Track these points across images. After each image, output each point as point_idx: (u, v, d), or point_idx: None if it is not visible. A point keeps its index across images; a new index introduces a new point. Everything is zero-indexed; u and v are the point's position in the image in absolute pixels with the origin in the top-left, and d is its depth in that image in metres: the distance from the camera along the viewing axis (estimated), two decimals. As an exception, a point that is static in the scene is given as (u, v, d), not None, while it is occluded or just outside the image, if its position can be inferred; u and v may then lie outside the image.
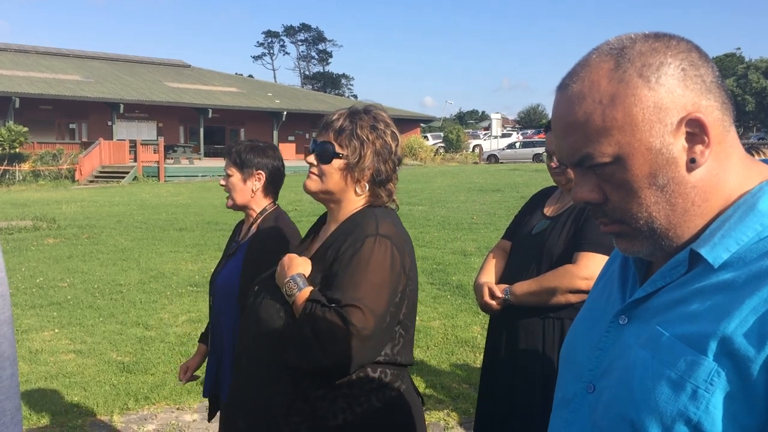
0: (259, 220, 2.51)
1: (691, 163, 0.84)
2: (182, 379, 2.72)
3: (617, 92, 0.84)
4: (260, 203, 2.53)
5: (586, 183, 0.90)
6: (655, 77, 0.83)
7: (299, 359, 1.65)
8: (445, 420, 4.09)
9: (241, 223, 2.68)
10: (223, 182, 2.54)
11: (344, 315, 1.58)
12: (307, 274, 1.73)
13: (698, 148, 0.84)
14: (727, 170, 0.86)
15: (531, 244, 2.39)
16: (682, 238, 0.87)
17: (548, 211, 2.47)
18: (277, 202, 2.59)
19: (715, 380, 0.77)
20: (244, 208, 2.54)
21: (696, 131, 0.84)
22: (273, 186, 2.55)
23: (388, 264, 1.67)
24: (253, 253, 2.40)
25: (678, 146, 0.84)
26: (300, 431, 1.67)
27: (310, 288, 1.69)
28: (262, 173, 2.50)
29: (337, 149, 1.76)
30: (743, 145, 0.96)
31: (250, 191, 2.50)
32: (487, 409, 2.46)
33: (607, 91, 0.84)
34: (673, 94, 0.83)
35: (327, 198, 1.82)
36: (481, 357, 5.07)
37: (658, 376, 0.81)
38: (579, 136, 0.87)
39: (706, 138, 0.84)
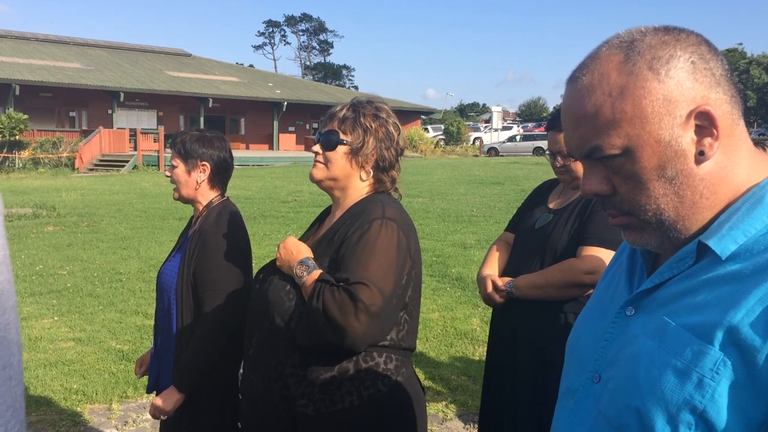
0: (203, 214, 2.39)
1: (700, 156, 0.85)
2: (137, 374, 2.63)
3: (627, 84, 0.84)
4: (206, 196, 2.41)
5: (594, 175, 0.90)
6: (665, 70, 0.84)
7: (309, 338, 1.67)
8: (443, 412, 4.10)
9: (193, 217, 2.54)
10: (168, 174, 2.41)
11: (353, 292, 1.62)
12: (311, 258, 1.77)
13: (707, 140, 0.84)
14: (735, 163, 0.87)
15: (534, 237, 2.38)
16: (690, 230, 0.88)
17: (552, 204, 2.46)
18: (225, 195, 2.47)
19: (721, 369, 0.78)
20: (191, 201, 2.42)
21: (705, 124, 0.84)
22: (219, 178, 2.43)
23: (394, 246, 1.71)
24: (192, 248, 2.30)
25: (687, 139, 0.84)
26: (307, 414, 1.70)
27: (320, 270, 1.72)
28: (207, 165, 2.37)
29: (341, 136, 1.81)
30: None
31: (195, 183, 2.38)
32: (490, 402, 2.46)
33: (616, 83, 0.85)
34: (682, 87, 0.84)
35: (332, 185, 1.86)
36: (480, 349, 5.12)
37: (665, 365, 0.82)
38: (588, 128, 0.87)
39: (715, 131, 0.84)
